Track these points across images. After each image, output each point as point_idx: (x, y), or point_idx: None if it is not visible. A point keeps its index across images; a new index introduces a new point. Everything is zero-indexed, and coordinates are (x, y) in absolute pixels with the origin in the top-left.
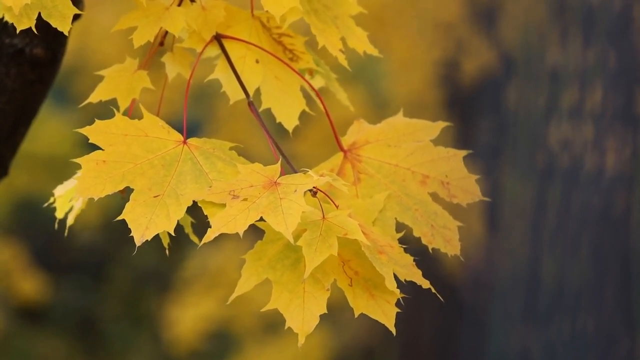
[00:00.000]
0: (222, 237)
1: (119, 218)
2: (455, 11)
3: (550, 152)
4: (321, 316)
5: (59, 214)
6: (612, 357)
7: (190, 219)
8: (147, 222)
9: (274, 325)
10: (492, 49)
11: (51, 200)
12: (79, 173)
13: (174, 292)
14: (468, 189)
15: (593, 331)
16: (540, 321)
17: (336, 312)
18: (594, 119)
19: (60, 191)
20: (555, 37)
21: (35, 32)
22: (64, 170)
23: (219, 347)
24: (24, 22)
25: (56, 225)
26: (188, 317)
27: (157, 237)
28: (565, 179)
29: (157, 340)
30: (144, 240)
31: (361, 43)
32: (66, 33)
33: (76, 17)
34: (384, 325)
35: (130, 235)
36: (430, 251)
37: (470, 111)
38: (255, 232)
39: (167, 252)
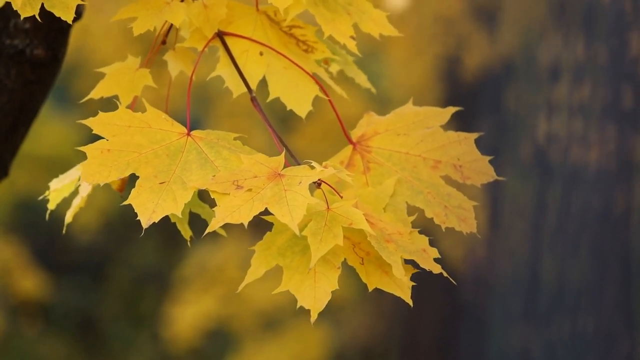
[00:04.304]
0: (221, 235)
1: (125, 203)
2: (456, 7)
3: (550, 152)
4: (321, 315)
5: (51, 205)
6: (612, 357)
7: (212, 214)
8: (153, 207)
9: (272, 323)
10: (492, 46)
11: (46, 193)
12: (78, 165)
13: (174, 291)
14: (482, 170)
15: (593, 331)
16: (540, 321)
17: (336, 312)
18: (594, 118)
19: (56, 185)
20: (556, 36)
21: (39, 19)
22: (65, 170)
23: (218, 345)
24: (28, 11)
25: (47, 217)
26: (187, 315)
27: (157, 238)
28: (565, 179)
29: (156, 339)
30: (150, 223)
31: (378, 26)
32: (70, 22)
33: (77, 18)
34: (383, 325)
35: (132, 232)
36: (444, 230)
37: (470, 111)
38: (256, 229)
39: (189, 244)
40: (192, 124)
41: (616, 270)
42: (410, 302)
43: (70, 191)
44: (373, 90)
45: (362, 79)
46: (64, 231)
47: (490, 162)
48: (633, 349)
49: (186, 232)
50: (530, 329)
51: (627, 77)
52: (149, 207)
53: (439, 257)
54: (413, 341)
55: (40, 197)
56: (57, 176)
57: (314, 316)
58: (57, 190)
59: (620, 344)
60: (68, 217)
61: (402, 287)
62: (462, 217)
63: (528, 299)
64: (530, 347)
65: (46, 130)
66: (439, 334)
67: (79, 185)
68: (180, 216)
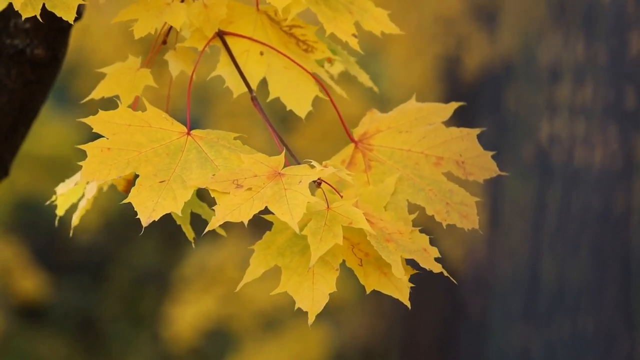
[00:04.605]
0: (221, 235)
1: (125, 202)
2: (456, 7)
3: (551, 152)
4: (321, 315)
5: (60, 212)
6: (612, 357)
7: (212, 213)
8: (153, 205)
9: (272, 323)
10: (492, 47)
11: (53, 198)
12: (81, 170)
13: (174, 291)
14: (484, 165)
15: (593, 331)
16: (540, 321)
17: (336, 312)
18: (594, 118)
19: (62, 189)
20: (556, 36)
21: (40, 20)
22: (64, 170)
23: (218, 345)
24: (29, 11)
25: (57, 223)
26: (187, 315)
27: (157, 238)
28: (565, 179)
29: (156, 339)
30: (150, 221)
31: (379, 24)
32: (71, 22)
33: (78, 18)
34: (383, 325)
35: (132, 232)
36: (444, 227)
37: (470, 111)
38: (256, 229)
39: (193, 244)
40: (192, 123)
41: (616, 270)
42: (409, 304)
43: (78, 196)
44: (375, 89)
45: (364, 78)
46: (70, 234)
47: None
48: (633, 349)
49: (190, 233)
50: (530, 329)
51: (628, 78)
52: (148, 206)
53: (440, 256)
54: (413, 341)
55: (47, 202)
56: (57, 176)
57: (311, 318)
58: (64, 195)
59: (620, 344)
60: (75, 220)
61: (400, 289)
62: (464, 213)
63: (528, 299)
64: (530, 347)
65: (46, 130)
66: (439, 334)
67: (86, 188)
68: (181, 215)
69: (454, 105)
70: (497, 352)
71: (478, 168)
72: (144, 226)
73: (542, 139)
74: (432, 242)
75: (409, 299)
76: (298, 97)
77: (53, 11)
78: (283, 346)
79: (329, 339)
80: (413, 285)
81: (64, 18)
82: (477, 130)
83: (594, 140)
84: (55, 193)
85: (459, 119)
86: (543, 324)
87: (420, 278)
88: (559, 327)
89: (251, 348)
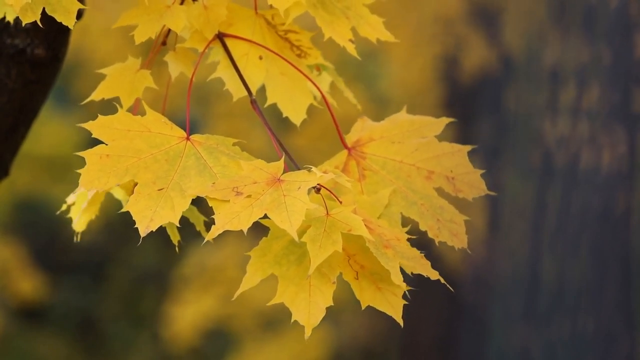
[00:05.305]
0: (221, 234)
1: (123, 210)
2: (456, 7)
3: (551, 152)
4: None
5: (76, 227)
6: (612, 357)
7: (203, 217)
8: (151, 214)
9: (273, 323)
10: (492, 47)
11: (64, 207)
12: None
13: (174, 291)
14: (474, 183)
15: (593, 331)
16: (540, 321)
17: (336, 312)
18: (593, 118)
19: (72, 199)
20: (556, 37)
21: (41, 25)
22: (64, 170)
23: (218, 345)
24: (29, 17)
25: (75, 238)
26: (187, 315)
27: (156, 237)
28: (565, 178)
29: (156, 339)
30: (148, 232)
31: (375, 31)
32: (71, 27)
33: (79, 16)
34: (383, 325)
35: (132, 232)
36: (437, 244)
37: (470, 111)
38: (256, 230)
39: (177, 249)
40: (191, 124)
41: (616, 270)
42: (401, 322)
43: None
44: (359, 107)
45: (349, 95)
46: (77, 239)
47: (490, 163)
48: (633, 349)
49: (175, 237)
50: (530, 329)
51: (633, 79)
52: (147, 215)
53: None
54: (413, 341)
55: (58, 212)
56: (57, 176)
57: (308, 332)
58: (74, 204)
59: (620, 344)
60: (81, 225)
61: (394, 306)
62: (454, 231)
63: (528, 299)
64: (530, 347)
65: (46, 130)
66: (439, 334)
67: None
68: (178, 225)
69: (445, 120)
70: (497, 352)
71: (468, 186)
72: (141, 236)
73: (544, 141)
74: (432, 244)
75: (410, 304)
76: (294, 105)
77: (53, 15)
78: (283, 346)
79: (329, 339)
80: (407, 302)
81: (64, 23)
82: (467, 147)
83: (594, 141)
84: (66, 202)
85: (459, 120)
86: (543, 324)
87: (420, 278)
88: (559, 327)
89: (251, 348)
